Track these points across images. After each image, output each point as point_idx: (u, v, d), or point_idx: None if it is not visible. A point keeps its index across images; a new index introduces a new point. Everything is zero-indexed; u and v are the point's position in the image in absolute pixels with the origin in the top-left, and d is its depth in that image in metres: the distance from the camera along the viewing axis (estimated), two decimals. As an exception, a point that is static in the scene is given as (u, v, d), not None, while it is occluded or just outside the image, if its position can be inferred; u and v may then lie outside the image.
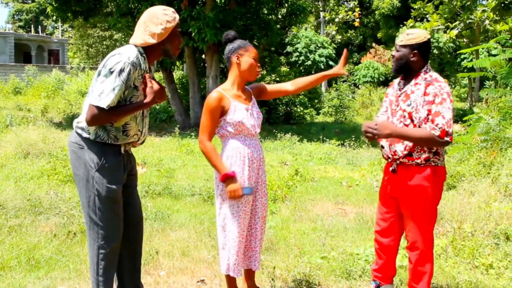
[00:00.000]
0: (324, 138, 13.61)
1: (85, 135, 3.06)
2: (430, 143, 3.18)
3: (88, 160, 3.04)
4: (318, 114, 22.27)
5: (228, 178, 3.28)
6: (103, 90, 2.89)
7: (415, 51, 3.30)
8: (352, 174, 9.13)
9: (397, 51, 3.38)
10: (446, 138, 3.11)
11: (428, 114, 3.16)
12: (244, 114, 3.40)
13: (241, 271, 3.49)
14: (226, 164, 3.38)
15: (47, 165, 7.83)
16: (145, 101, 3.03)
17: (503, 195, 5.87)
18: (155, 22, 3.06)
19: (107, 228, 3.10)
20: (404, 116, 3.28)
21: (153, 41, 3.07)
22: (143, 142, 3.32)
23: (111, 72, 2.91)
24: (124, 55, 2.96)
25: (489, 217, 5.13)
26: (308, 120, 19.98)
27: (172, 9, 3.16)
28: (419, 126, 3.21)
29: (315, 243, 5.05)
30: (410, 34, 3.33)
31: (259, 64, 3.50)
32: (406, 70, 3.37)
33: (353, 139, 12.67)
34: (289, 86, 3.69)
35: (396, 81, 3.53)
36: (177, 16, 3.15)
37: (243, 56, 3.41)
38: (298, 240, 5.17)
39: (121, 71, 2.91)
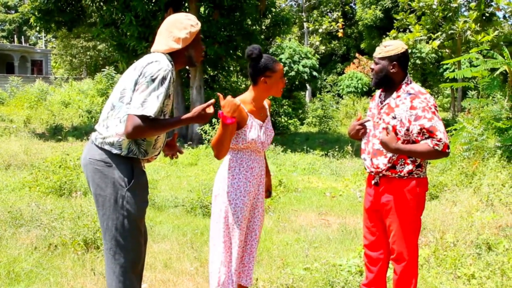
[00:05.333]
0: (308, 148, 13.64)
1: (115, 151, 2.86)
2: (433, 157, 3.20)
3: (118, 179, 2.85)
4: (302, 124, 22.30)
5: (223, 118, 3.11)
6: (145, 99, 2.75)
7: (394, 62, 3.26)
8: (335, 184, 9.15)
9: (376, 64, 3.33)
10: (447, 151, 3.15)
11: (421, 129, 3.14)
12: (258, 131, 3.34)
13: (232, 286, 3.41)
14: (228, 175, 3.33)
15: (29, 176, 7.71)
16: (189, 116, 2.94)
17: (485, 205, 5.91)
18: (179, 27, 2.98)
19: (135, 251, 2.93)
20: (387, 129, 3.25)
21: (178, 46, 2.97)
22: (157, 156, 3.20)
23: (153, 80, 2.78)
24: (163, 63, 2.84)
25: (471, 227, 5.16)
26: (292, 130, 20.01)
27: (193, 15, 3.10)
28: (408, 141, 3.21)
29: (298, 254, 5.03)
30: (388, 46, 3.29)
31: (284, 80, 3.43)
32: (387, 82, 3.33)
33: (337, 149, 12.68)
34: None
35: (377, 93, 3.49)
36: (199, 22, 3.09)
37: (271, 78, 3.31)
38: (281, 251, 5.14)
39: (164, 79, 2.80)
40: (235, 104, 3.09)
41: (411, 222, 3.29)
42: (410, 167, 3.23)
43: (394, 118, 3.23)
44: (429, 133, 3.10)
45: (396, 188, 3.28)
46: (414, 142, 3.20)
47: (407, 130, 3.18)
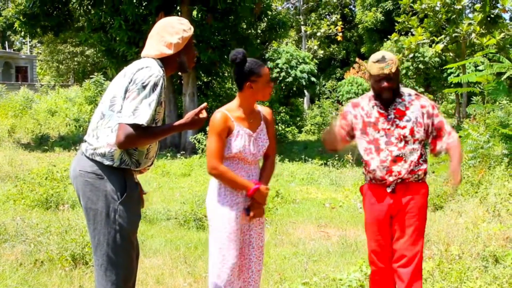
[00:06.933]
0: (307, 157, 13.57)
1: (106, 162, 2.79)
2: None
3: (110, 192, 2.79)
4: (300, 132, 22.24)
5: (256, 191, 3.20)
6: (136, 107, 2.68)
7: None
8: (335, 195, 9.11)
9: (390, 79, 3.29)
10: None
11: (432, 125, 3.36)
12: (245, 141, 3.25)
13: None
14: (216, 184, 3.28)
15: (14, 189, 7.63)
16: (181, 122, 2.87)
17: (492, 216, 5.85)
18: (171, 31, 2.91)
19: (127, 267, 2.88)
20: (404, 135, 3.30)
21: (169, 52, 2.90)
22: (150, 167, 3.12)
23: (144, 87, 2.71)
24: (154, 68, 2.78)
25: (477, 238, 5.09)
26: (290, 138, 20.01)
27: (186, 20, 3.03)
28: (423, 139, 3.36)
29: (297, 268, 4.98)
30: (392, 58, 3.31)
31: (272, 84, 3.35)
32: (395, 93, 3.39)
33: (337, 158, 12.52)
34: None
35: (363, 102, 3.46)
36: (192, 27, 3.03)
37: (257, 83, 3.23)
38: (278, 265, 5.08)
39: (155, 85, 2.74)
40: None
41: (424, 225, 3.42)
42: (424, 166, 3.37)
43: (409, 120, 3.32)
44: (437, 131, 3.35)
45: (414, 191, 3.37)
46: (423, 139, 3.35)
47: (425, 129, 3.33)
